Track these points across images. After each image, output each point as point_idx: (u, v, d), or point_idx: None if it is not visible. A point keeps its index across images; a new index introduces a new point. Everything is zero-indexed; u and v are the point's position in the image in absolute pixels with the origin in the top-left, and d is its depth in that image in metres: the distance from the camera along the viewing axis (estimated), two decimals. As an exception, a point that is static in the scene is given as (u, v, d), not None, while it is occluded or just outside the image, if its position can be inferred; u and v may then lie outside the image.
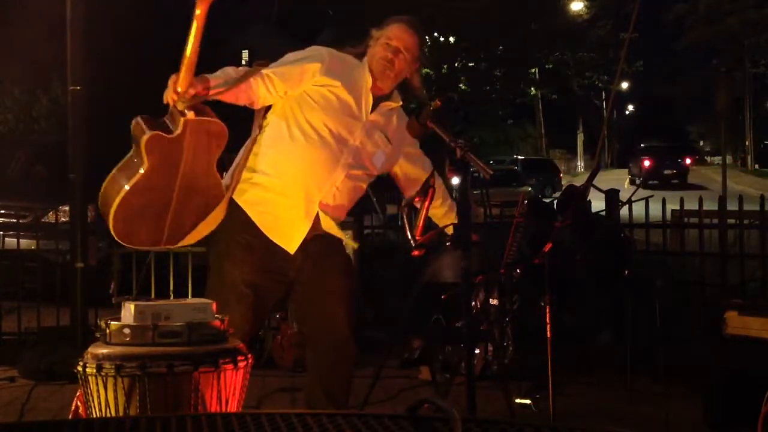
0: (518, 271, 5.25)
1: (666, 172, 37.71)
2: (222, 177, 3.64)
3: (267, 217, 3.57)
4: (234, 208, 3.58)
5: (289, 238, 3.57)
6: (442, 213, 3.81)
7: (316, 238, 3.61)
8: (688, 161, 39.82)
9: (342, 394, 3.69)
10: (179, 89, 3.26)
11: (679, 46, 43.58)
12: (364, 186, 3.74)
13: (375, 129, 3.63)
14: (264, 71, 3.54)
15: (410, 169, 3.80)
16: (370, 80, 3.60)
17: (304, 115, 3.54)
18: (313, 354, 3.74)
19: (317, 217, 3.58)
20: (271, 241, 3.57)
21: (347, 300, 3.70)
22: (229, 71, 3.50)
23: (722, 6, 38.02)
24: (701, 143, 64.20)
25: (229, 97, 3.48)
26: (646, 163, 38.57)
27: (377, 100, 3.63)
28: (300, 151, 3.53)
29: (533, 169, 33.12)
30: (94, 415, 2.93)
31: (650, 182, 34.38)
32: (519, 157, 36.32)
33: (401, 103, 3.73)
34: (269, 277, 3.60)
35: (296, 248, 3.57)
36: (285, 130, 3.57)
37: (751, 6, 36.56)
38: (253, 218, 3.57)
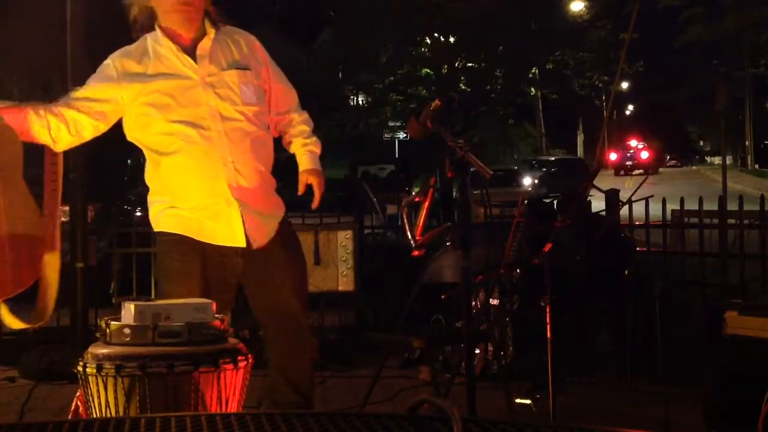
0: (518, 271, 5.25)
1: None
2: None
3: (198, 228, 3.40)
4: (162, 238, 3.47)
5: (231, 234, 3.40)
6: (299, 144, 3.63)
7: (255, 228, 3.43)
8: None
9: (305, 381, 3.62)
10: None
11: (679, 46, 43.58)
12: (262, 133, 3.46)
13: (216, 74, 3.36)
14: (75, 95, 3.39)
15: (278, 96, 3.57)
16: (169, 43, 3.35)
17: (148, 130, 3.35)
18: (272, 347, 3.66)
19: (243, 201, 3.38)
20: (206, 249, 3.41)
21: (297, 288, 3.60)
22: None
23: (721, 3, 38.03)
24: (701, 143, 64.24)
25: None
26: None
27: (194, 49, 3.37)
28: (172, 163, 3.35)
29: (567, 169, 33.18)
30: (94, 415, 2.93)
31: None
32: (552, 158, 36.58)
33: (215, 28, 3.42)
34: (213, 287, 3.45)
35: (245, 240, 3.39)
36: (148, 153, 3.41)
37: (751, 5, 36.56)
38: (186, 234, 3.41)
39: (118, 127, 3.49)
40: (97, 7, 5.98)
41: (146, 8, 3.40)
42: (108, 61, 3.39)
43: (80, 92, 3.39)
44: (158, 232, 3.48)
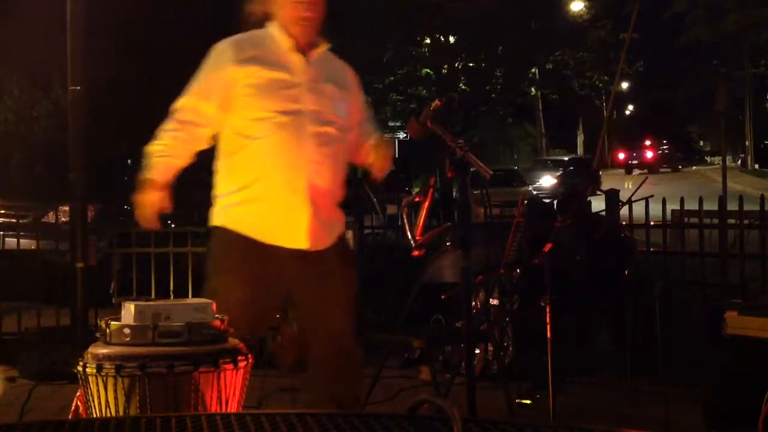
0: (518, 271, 5.25)
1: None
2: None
3: (263, 226, 3.39)
4: (220, 234, 3.44)
5: (294, 235, 3.38)
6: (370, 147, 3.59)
7: (317, 234, 3.42)
8: None
9: (351, 399, 3.56)
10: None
11: (679, 45, 43.58)
12: (344, 146, 3.51)
13: (319, 82, 3.44)
14: (180, 105, 3.43)
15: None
16: (288, 41, 3.42)
17: (244, 114, 3.38)
18: (317, 361, 3.57)
19: (315, 202, 3.39)
20: (265, 251, 3.38)
21: (348, 302, 3.55)
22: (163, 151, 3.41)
23: (722, 4, 38.01)
24: (701, 143, 64.25)
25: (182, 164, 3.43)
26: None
27: (306, 54, 3.44)
28: (258, 148, 3.37)
29: (583, 168, 33.33)
30: (94, 415, 2.93)
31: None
32: (566, 157, 36.77)
33: (328, 44, 3.53)
34: (263, 289, 3.42)
35: (307, 242, 3.37)
36: (233, 138, 3.41)
37: (751, 5, 36.56)
38: (248, 233, 3.39)
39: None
40: (97, 7, 5.98)
41: (264, 11, 3.49)
42: (222, 47, 3.44)
43: (189, 101, 3.42)
44: (216, 227, 3.46)
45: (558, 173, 32.76)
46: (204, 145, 3.46)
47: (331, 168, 3.44)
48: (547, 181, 30.99)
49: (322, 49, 3.50)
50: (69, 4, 5.60)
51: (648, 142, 52.30)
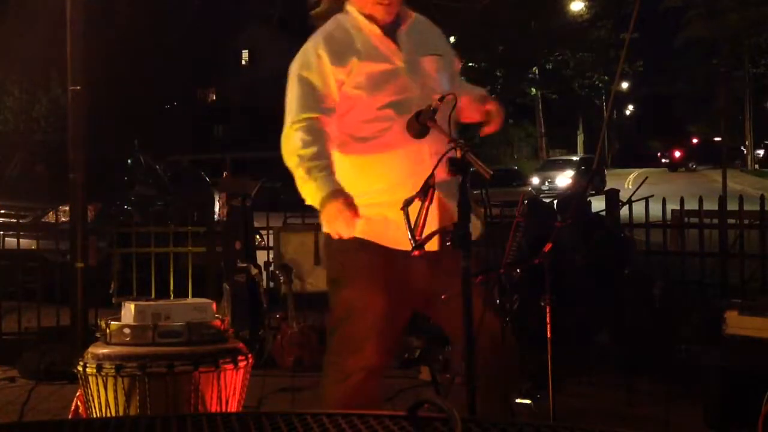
0: (518, 271, 5.25)
1: None
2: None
3: (388, 230, 3.10)
4: (344, 242, 3.09)
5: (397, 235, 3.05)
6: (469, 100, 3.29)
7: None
8: None
9: (512, 390, 3.37)
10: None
11: (679, 44, 43.59)
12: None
13: (417, 60, 3.17)
14: (300, 117, 3.10)
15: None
16: (374, 27, 3.16)
17: (354, 115, 3.12)
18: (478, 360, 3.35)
19: (439, 196, 3.03)
20: (391, 255, 3.09)
21: (482, 294, 3.22)
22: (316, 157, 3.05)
23: (721, 2, 38.01)
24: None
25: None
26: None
27: (393, 34, 3.17)
28: (374, 148, 3.11)
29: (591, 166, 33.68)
30: (94, 415, 2.93)
31: None
32: (575, 157, 36.99)
33: (413, 14, 3.24)
34: (400, 299, 3.14)
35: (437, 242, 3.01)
36: (345, 141, 3.15)
37: (752, 3, 36.55)
38: (375, 240, 3.11)
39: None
40: (97, 7, 5.98)
41: None
42: (313, 48, 3.16)
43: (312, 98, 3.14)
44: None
45: (564, 172, 32.84)
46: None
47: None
48: (561, 181, 31.10)
49: (410, 21, 3.21)
50: (69, 4, 5.60)
51: (695, 140, 54.18)
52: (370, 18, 3.16)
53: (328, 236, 3.14)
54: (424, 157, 3.07)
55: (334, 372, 3.18)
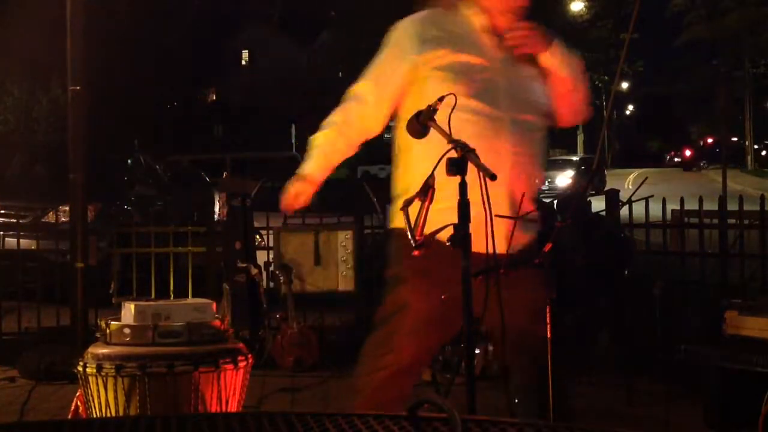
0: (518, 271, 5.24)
1: None
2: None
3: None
4: (400, 238, 3.02)
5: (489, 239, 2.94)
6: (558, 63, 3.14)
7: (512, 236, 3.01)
8: None
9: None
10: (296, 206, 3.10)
11: (679, 44, 43.59)
12: (543, 134, 3.13)
13: (515, 63, 3.07)
14: (353, 91, 3.12)
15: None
16: (480, 19, 3.07)
17: (427, 103, 2.94)
18: (519, 376, 3.30)
19: (513, 200, 3.01)
20: (456, 257, 2.91)
21: (542, 312, 3.19)
22: (323, 141, 3.12)
23: (721, 2, 38.02)
24: (701, 143, 64.24)
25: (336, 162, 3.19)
26: None
27: (499, 34, 3.07)
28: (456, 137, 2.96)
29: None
30: (94, 415, 2.93)
31: None
32: (588, 156, 37.12)
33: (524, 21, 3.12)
34: (453, 301, 2.98)
35: (503, 244, 2.96)
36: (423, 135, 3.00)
37: (752, 3, 36.55)
38: (437, 237, 2.94)
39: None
40: (97, 7, 5.99)
41: None
42: (404, 26, 3.10)
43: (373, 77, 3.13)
44: (399, 230, 3.07)
45: (564, 172, 32.88)
46: (372, 135, 3.20)
47: (530, 159, 3.06)
48: (562, 181, 31.17)
49: (521, 26, 3.11)
50: (69, 4, 5.60)
51: (710, 140, 54.94)
52: (483, 10, 3.07)
53: (396, 232, 3.12)
54: (504, 155, 2.97)
55: (369, 363, 3.18)
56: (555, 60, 3.14)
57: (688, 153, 53.06)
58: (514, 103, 3.02)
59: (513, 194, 3.01)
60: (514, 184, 3.01)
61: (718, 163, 46.37)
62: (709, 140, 54.95)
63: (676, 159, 55.39)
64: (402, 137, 3.09)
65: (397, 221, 3.11)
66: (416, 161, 3.06)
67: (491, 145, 2.95)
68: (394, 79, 3.08)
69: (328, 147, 3.15)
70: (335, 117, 3.15)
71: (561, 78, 3.16)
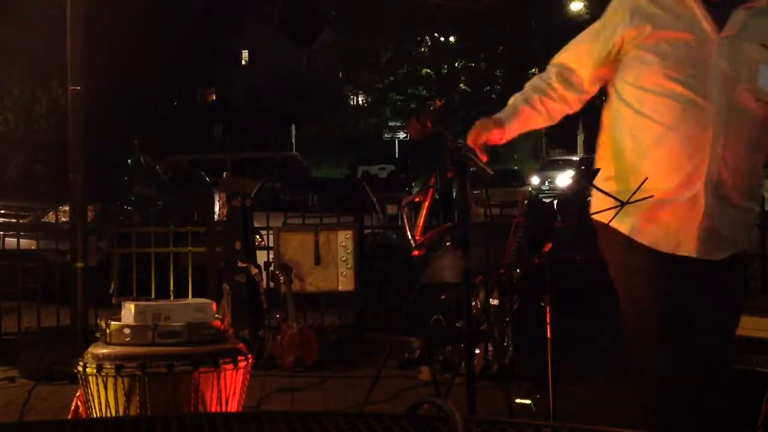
0: (518, 271, 5.25)
1: None
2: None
3: (648, 228, 2.80)
4: (605, 231, 2.89)
5: (681, 237, 2.75)
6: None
7: (714, 238, 2.74)
8: None
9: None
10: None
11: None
12: (764, 124, 2.75)
13: (736, 42, 2.71)
14: (554, 61, 2.95)
15: None
16: None
17: (633, 80, 2.80)
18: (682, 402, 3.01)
19: (717, 196, 2.71)
20: (656, 257, 2.75)
21: (733, 327, 2.90)
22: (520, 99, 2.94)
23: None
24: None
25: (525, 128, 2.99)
26: None
27: (724, 8, 2.72)
28: (645, 125, 2.76)
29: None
30: (94, 415, 2.93)
31: None
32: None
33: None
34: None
35: (696, 248, 2.72)
36: (618, 107, 2.85)
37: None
38: (632, 236, 2.82)
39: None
40: (97, 7, 5.99)
41: None
42: (623, 4, 2.83)
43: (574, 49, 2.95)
44: (603, 225, 2.90)
45: (564, 172, 32.91)
46: (572, 109, 3.02)
47: (746, 150, 2.72)
48: (562, 181, 31.23)
49: (760, 2, 2.74)
50: (69, 4, 5.60)
51: None
52: None
53: (601, 226, 2.92)
54: (705, 145, 2.67)
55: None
56: None
57: None
58: (728, 88, 2.69)
59: (716, 194, 2.70)
60: (717, 184, 2.69)
61: None
62: None
63: None
64: (607, 113, 2.92)
65: (596, 207, 2.90)
66: (619, 138, 2.85)
67: (687, 134, 2.68)
68: (598, 48, 2.86)
69: (520, 100, 2.97)
70: (534, 83, 2.99)
71: None
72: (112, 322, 3.09)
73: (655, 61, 2.73)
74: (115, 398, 2.92)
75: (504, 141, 2.97)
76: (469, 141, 2.87)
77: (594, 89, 2.99)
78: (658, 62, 2.72)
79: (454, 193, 3.63)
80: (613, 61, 2.86)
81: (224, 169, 11.49)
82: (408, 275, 6.57)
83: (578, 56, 2.94)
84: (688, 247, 2.73)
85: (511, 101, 2.99)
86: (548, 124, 3.06)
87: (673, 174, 2.72)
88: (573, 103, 2.99)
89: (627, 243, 2.83)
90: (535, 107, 2.96)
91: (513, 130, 2.97)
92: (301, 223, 6.90)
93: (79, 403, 3.28)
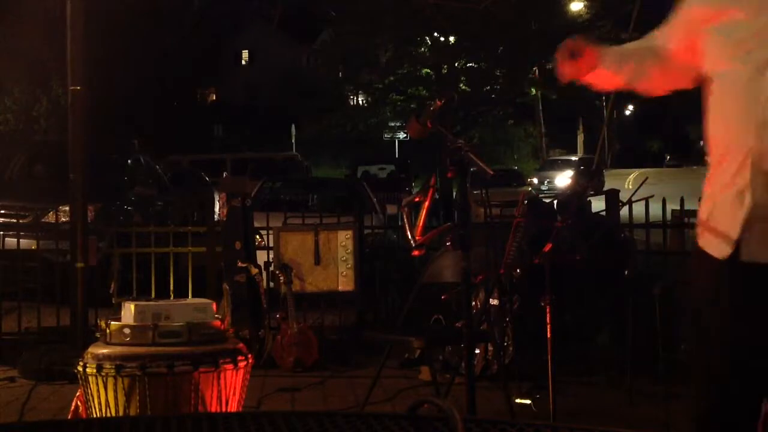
0: (518, 271, 5.25)
1: None
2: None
3: (716, 234, 2.45)
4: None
5: (725, 237, 2.41)
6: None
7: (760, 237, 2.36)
8: None
9: None
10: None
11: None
12: None
13: None
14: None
15: None
16: None
17: (705, 64, 2.55)
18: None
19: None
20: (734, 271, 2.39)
21: None
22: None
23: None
24: (701, 143, 64.34)
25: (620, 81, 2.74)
26: None
27: None
28: (709, 111, 2.52)
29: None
30: (94, 415, 2.93)
31: None
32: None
33: None
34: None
35: (726, 252, 2.39)
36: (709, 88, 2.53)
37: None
38: (705, 249, 2.47)
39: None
40: (97, 7, 5.99)
41: None
42: None
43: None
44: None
45: (564, 172, 32.93)
46: (674, 85, 2.78)
47: None
48: (562, 181, 31.26)
49: None
50: (69, 4, 5.60)
51: None
52: None
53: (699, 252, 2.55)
54: (749, 130, 2.38)
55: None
56: None
57: (687, 153, 53.28)
58: None
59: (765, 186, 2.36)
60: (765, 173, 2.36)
61: None
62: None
63: (672, 162, 55.62)
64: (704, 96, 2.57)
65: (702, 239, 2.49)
66: (715, 121, 2.52)
67: (739, 120, 2.41)
68: (677, 26, 2.64)
69: (623, 47, 2.77)
70: (633, 47, 2.78)
71: None
72: (112, 322, 3.09)
73: (715, 43, 2.55)
74: (115, 398, 2.92)
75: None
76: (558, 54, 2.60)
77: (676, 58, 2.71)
78: (717, 44, 2.54)
79: (454, 193, 3.63)
80: (692, 38, 2.64)
81: (224, 169, 11.50)
82: (408, 275, 6.57)
83: (659, 32, 2.72)
84: (725, 245, 2.42)
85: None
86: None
87: (725, 158, 2.44)
88: (655, 77, 2.81)
89: (697, 251, 2.53)
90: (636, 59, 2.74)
91: (607, 58, 2.68)
92: (301, 223, 6.90)
93: (79, 403, 3.29)
